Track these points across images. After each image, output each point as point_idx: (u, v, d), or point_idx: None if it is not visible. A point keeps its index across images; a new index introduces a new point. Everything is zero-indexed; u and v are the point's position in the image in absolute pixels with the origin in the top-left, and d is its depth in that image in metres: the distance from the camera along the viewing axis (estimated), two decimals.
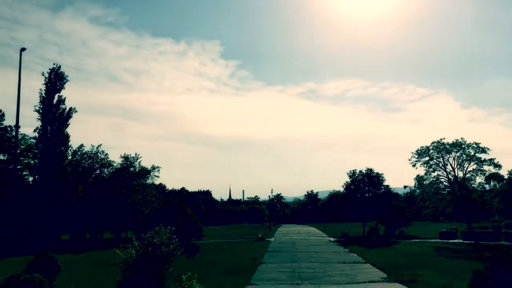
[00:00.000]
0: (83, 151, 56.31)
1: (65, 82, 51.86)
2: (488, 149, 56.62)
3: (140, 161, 61.71)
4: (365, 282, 20.74)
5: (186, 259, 28.33)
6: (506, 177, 76.20)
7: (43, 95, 50.91)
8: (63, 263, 20.53)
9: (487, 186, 67.58)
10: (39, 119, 50.69)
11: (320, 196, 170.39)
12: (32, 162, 54.69)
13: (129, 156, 60.46)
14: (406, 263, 27.38)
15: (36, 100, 50.87)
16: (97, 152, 56.76)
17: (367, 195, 57.99)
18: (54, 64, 50.84)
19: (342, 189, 64.10)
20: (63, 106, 51.27)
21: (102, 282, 21.47)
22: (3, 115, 52.27)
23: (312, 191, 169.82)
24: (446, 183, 58.79)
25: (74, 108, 51.32)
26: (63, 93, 51.58)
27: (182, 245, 22.09)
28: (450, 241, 46.22)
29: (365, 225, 56.83)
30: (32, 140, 53.62)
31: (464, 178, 57.61)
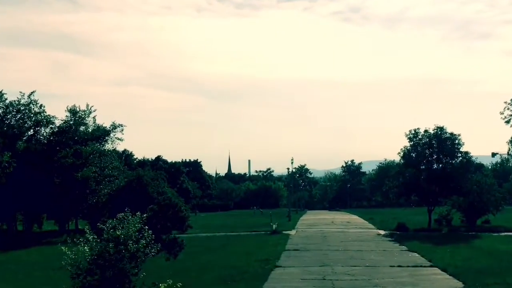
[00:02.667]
0: (7, 102, 56.51)
1: None
2: None
3: (95, 116, 62.08)
4: None
5: (166, 261, 28.83)
6: None
7: None
8: None
9: None
10: None
11: (364, 169, 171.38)
12: None
13: (78, 110, 60.74)
14: (492, 266, 27.62)
15: None
16: (29, 104, 56.94)
17: (435, 166, 57.86)
18: None
19: (397, 159, 63.95)
20: None
21: None
22: None
23: (352, 161, 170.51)
24: None
25: None
26: None
27: (158, 240, 22.42)
28: None
29: (432, 211, 57.16)
30: None
31: None
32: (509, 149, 58.99)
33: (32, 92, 57.17)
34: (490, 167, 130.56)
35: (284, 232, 52.74)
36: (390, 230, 53.08)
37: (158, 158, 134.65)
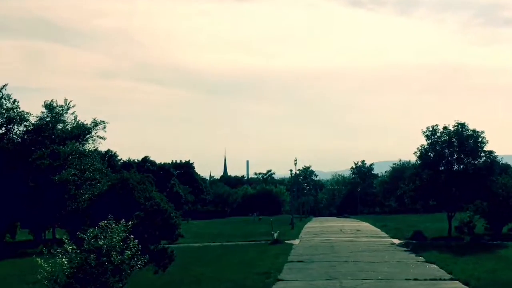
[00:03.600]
0: None
1: None
2: None
3: (74, 112, 61.98)
4: None
5: (154, 274, 28.83)
6: None
7: None
8: None
9: None
10: None
11: (376, 171, 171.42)
12: None
13: (56, 105, 60.64)
14: None
15: None
16: (0, 98, 56.90)
17: (456, 167, 57.83)
18: None
19: (413, 159, 63.89)
20: None
21: None
22: None
23: (363, 162, 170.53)
24: None
25: None
26: None
27: (145, 250, 22.41)
28: None
29: (452, 218, 57.16)
30: None
31: None
32: None
33: (4, 86, 57.06)
34: None
35: (286, 241, 52.80)
36: (405, 239, 53.12)
37: (145, 159, 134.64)
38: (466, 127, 56.96)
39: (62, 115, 60.86)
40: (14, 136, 58.77)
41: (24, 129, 58.85)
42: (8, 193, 52.50)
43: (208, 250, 46.22)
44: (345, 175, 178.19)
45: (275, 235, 54.62)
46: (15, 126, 58.52)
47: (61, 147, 56.99)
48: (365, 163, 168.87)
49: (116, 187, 44.94)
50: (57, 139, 59.19)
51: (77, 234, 19.69)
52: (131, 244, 19.20)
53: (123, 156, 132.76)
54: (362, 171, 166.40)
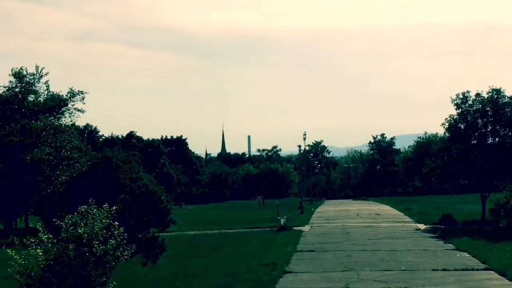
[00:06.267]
0: None
1: None
2: None
3: (48, 81, 61.89)
4: None
5: (142, 266, 28.93)
6: None
7: None
8: None
9: None
10: None
11: (398, 146, 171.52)
12: None
13: (26, 73, 60.56)
14: None
15: None
16: None
17: (490, 140, 57.65)
18: None
19: (441, 131, 63.73)
20: None
21: None
22: None
23: (383, 136, 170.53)
24: None
25: None
26: None
27: (132, 239, 22.50)
28: None
29: (487, 199, 57.16)
30: None
31: None
32: None
33: None
34: None
35: (295, 228, 52.98)
36: (432, 223, 53.32)
37: (131, 134, 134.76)
38: (502, 94, 56.65)
39: (34, 84, 60.84)
40: None
41: None
42: None
43: (205, 239, 46.36)
44: (362, 151, 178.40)
45: (282, 221, 54.75)
46: None
47: (33, 121, 56.99)
48: (385, 137, 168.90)
49: (98, 167, 45.01)
50: (28, 112, 59.17)
51: (53, 221, 19.74)
52: (115, 232, 19.24)
53: (105, 131, 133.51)
54: (382, 147, 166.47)
